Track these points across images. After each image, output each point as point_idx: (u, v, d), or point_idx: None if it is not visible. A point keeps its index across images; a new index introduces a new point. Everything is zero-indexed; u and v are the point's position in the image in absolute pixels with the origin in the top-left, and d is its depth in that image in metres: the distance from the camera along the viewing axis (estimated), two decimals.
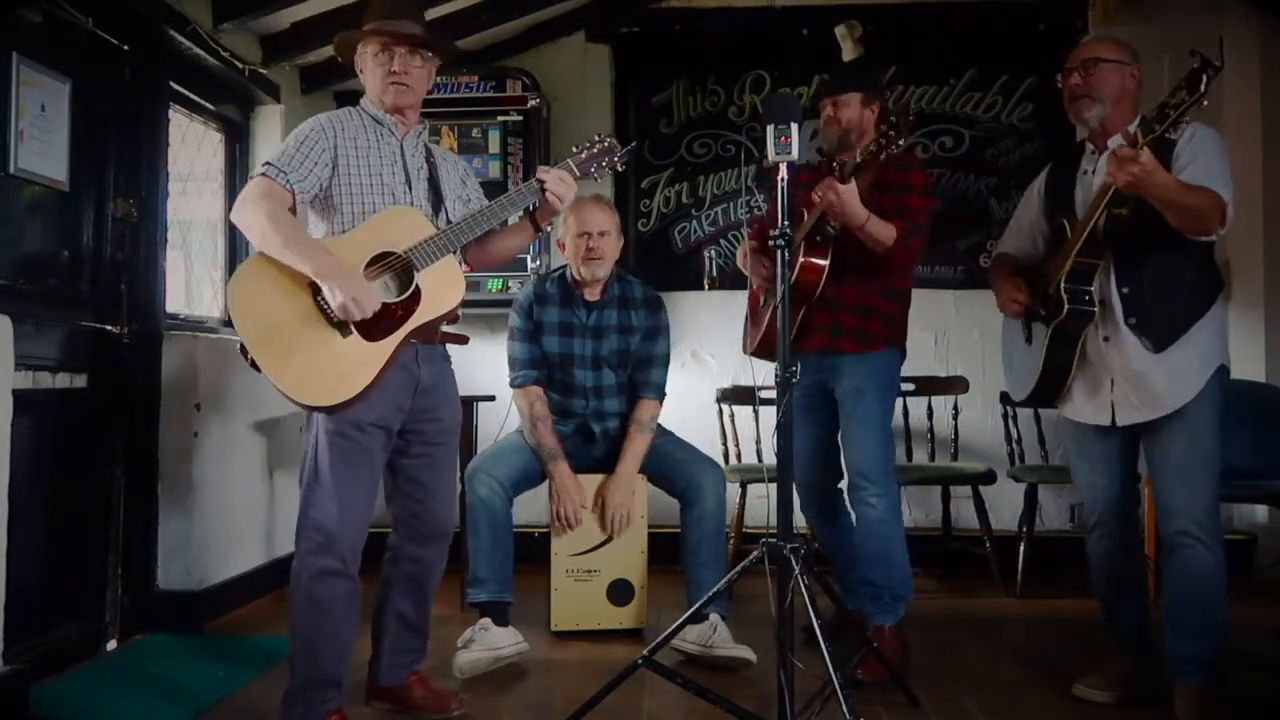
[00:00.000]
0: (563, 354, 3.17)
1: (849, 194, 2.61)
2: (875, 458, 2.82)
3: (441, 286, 2.27)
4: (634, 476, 3.13)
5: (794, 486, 3.06)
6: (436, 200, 2.41)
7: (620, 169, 2.55)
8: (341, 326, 2.16)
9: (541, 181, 2.37)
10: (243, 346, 2.14)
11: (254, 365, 2.13)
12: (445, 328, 2.38)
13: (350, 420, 2.20)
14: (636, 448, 3.13)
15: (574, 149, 2.49)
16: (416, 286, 2.23)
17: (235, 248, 4.02)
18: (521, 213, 2.51)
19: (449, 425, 2.47)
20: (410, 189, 2.36)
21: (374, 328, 2.18)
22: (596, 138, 2.50)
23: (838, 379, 2.88)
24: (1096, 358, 2.47)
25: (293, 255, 2.13)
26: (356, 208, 2.28)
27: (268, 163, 2.23)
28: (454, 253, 2.31)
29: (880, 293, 2.85)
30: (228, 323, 3.90)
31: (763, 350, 2.99)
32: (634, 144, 2.62)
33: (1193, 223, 2.25)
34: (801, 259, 2.76)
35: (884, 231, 2.70)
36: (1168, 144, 2.25)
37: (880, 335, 2.87)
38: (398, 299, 2.22)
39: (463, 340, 2.51)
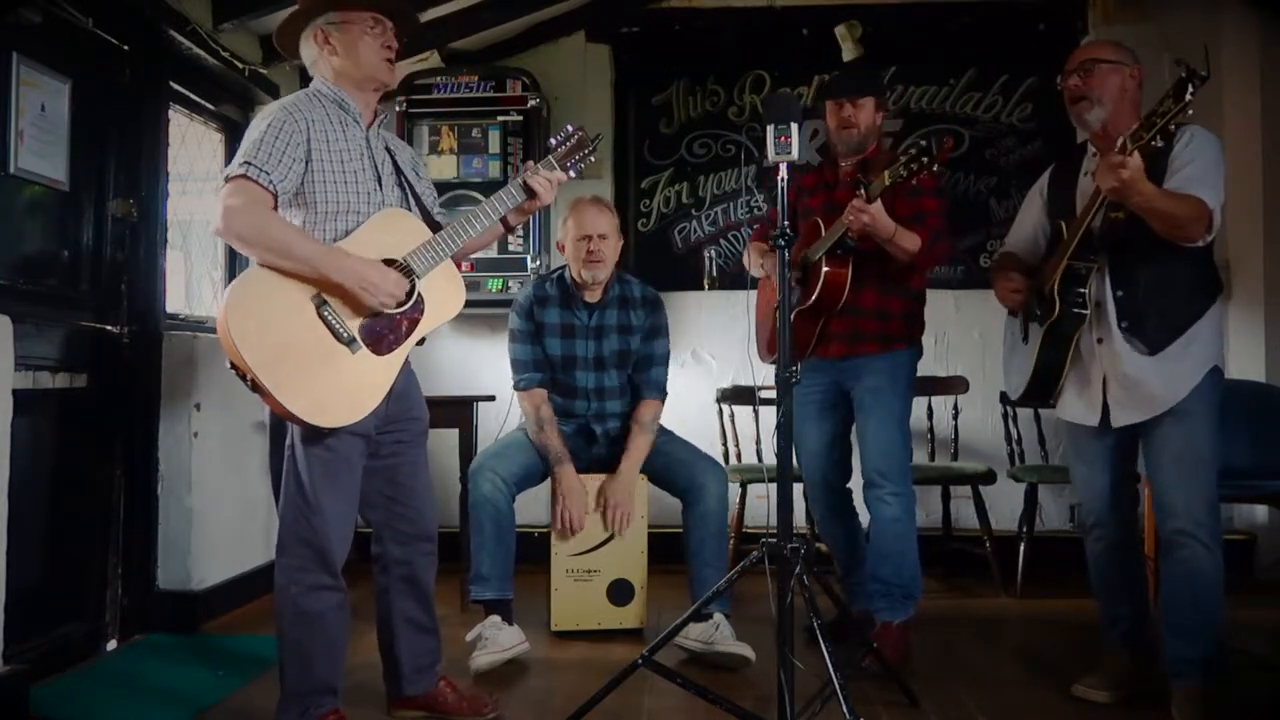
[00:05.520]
0: (565, 356, 3.17)
1: (879, 213, 2.61)
2: (894, 457, 2.82)
3: (444, 294, 2.24)
4: (636, 476, 3.13)
5: (804, 483, 3.09)
6: (404, 193, 2.34)
7: (593, 160, 2.50)
8: (351, 343, 2.11)
9: (526, 183, 2.36)
10: (233, 364, 2.05)
11: (254, 387, 2.03)
12: None
13: (328, 430, 2.14)
14: (638, 447, 3.12)
15: (550, 142, 2.45)
16: (419, 295, 2.19)
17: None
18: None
19: (422, 424, 2.44)
20: (380, 184, 2.27)
21: (381, 341, 2.15)
22: (570, 128, 2.45)
23: (856, 379, 2.88)
24: (1089, 358, 2.47)
25: (323, 265, 2.06)
26: (331, 204, 2.17)
27: (248, 161, 2.06)
28: (450, 257, 2.28)
29: (899, 295, 2.88)
30: None
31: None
32: (600, 135, 2.56)
33: (1175, 230, 2.26)
34: (825, 272, 2.76)
35: (910, 241, 2.71)
36: (1164, 147, 2.27)
37: (900, 334, 2.89)
38: (402, 309, 2.18)
39: (419, 341, 2.38)
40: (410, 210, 2.32)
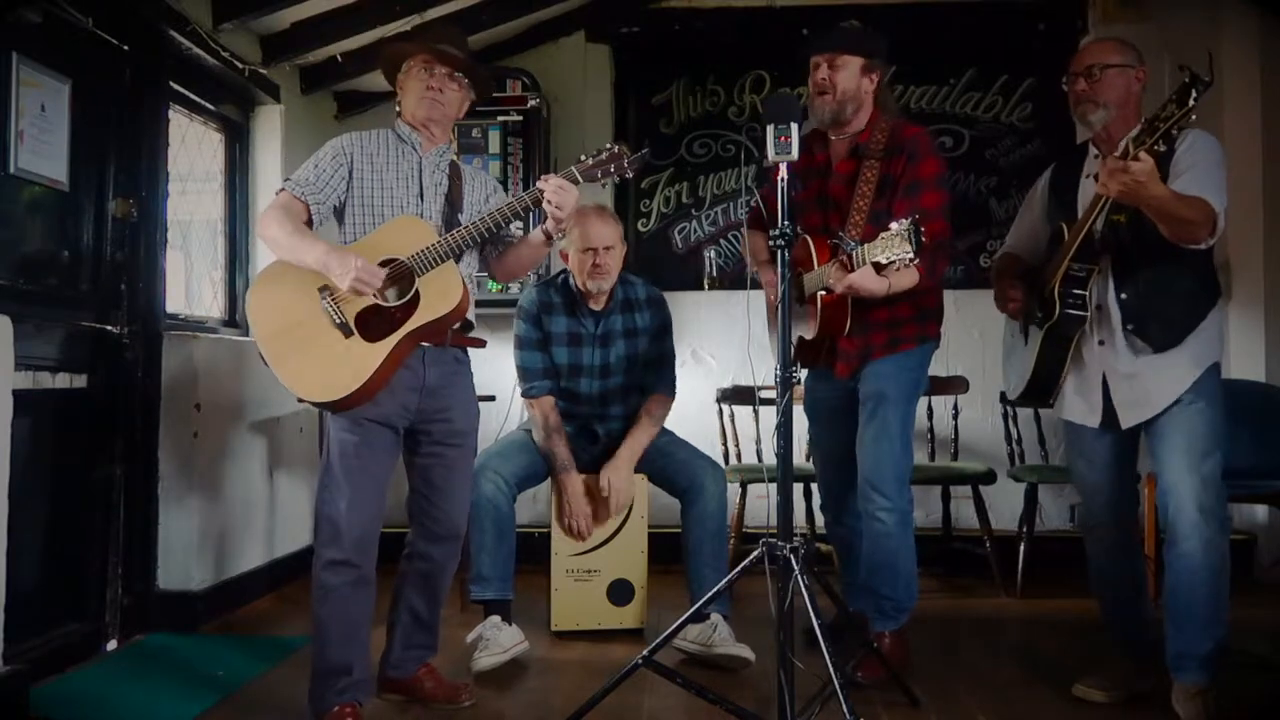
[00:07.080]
0: (571, 364, 3.16)
1: (865, 285, 2.48)
2: (888, 468, 2.70)
3: (439, 291, 2.33)
4: (634, 462, 3.11)
5: (818, 483, 3.08)
6: (451, 215, 2.48)
7: (630, 175, 2.51)
8: (344, 328, 2.27)
9: (540, 190, 2.38)
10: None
11: (265, 361, 2.27)
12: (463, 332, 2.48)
13: (354, 417, 2.33)
14: (640, 436, 3.12)
15: (581, 157, 2.47)
16: (416, 291, 2.31)
17: (235, 248, 4.02)
18: (534, 223, 2.58)
19: (461, 427, 2.52)
20: (422, 202, 2.45)
21: (374, 329, 2.29)
22: (607, 146, 2.48)
23: (863, 380, 2.76)
24: (1091, 360, 2.47)
25: (299, 254, 2.29)
26: (367, 220, 2.41)
27: (288, 178, 2.42)
28: (454, 259, 2.36)
29: (908, 300, 2.69)
30: (228, 322, 3.93)
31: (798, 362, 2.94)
32: (645, 150, 2.59)
33: (1183, 232, 2.26)
34: (821, 309, 2.64)
35: (908, 281, 2.55)
36: (1166, 152, 2.25)
37: (910, 335, 2.74)
38: (398, 303, 2.30)
39: (480, 344, 2.58)
40: (450, 230, 2.44)
